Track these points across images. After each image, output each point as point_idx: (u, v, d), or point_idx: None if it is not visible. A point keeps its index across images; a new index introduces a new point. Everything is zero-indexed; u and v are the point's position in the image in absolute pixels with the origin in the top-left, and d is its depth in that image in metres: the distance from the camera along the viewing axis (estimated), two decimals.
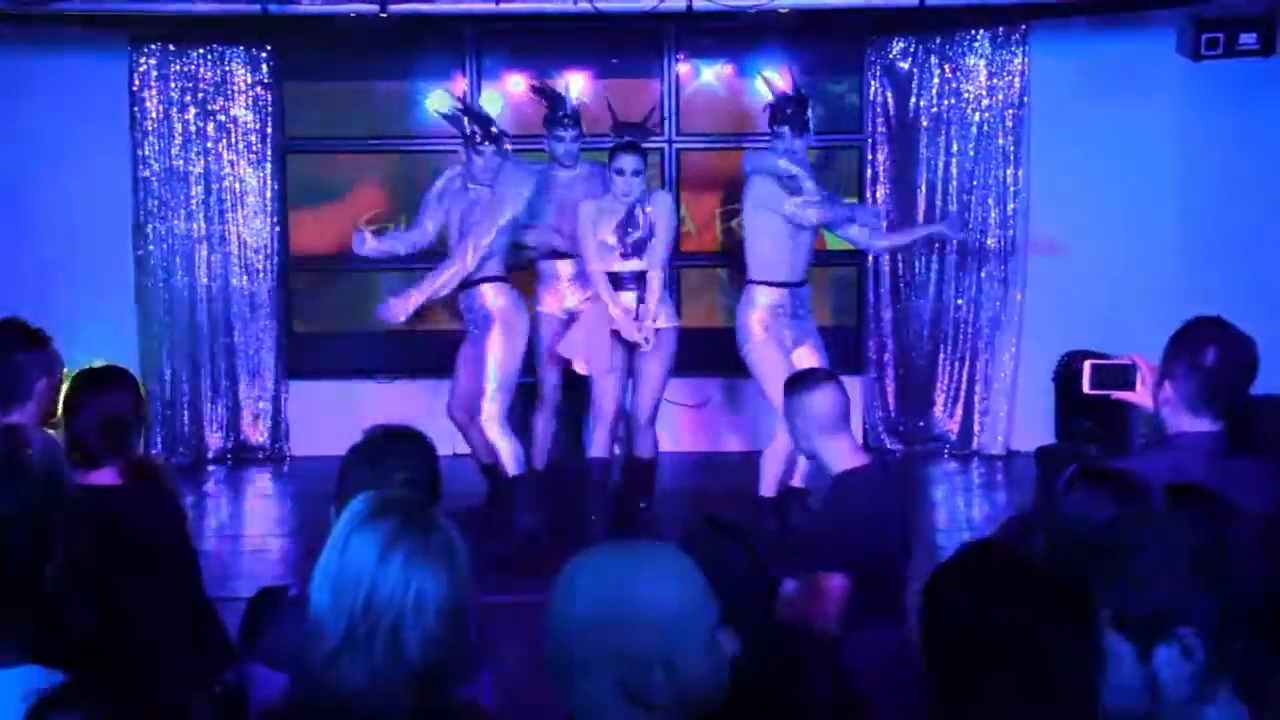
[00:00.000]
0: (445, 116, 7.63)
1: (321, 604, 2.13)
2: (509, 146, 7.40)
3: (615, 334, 7.17)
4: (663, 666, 1.88)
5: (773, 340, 7.15)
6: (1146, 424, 3.38)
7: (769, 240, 7.23)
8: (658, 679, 1.87)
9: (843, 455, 3.94)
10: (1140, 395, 3.28)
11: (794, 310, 7.29)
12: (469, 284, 7.18)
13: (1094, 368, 3.33)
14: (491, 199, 7.09)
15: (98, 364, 3.76)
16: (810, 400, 3.93)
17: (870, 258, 9.25)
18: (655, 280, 7.18)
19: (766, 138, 7.53)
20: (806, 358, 7.12)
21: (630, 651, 1.87)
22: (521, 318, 7.25)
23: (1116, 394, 3.33)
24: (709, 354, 8.56)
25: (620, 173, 7.07)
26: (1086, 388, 3.35)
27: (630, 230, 7.12)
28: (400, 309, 7.15)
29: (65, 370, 3.67)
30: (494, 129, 7.20)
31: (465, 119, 7.29)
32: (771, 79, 7.61)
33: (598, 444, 7.29)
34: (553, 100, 7.55)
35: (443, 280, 7.11)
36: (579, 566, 1.96)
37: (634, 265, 7.16)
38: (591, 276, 7.20)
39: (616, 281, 7.16)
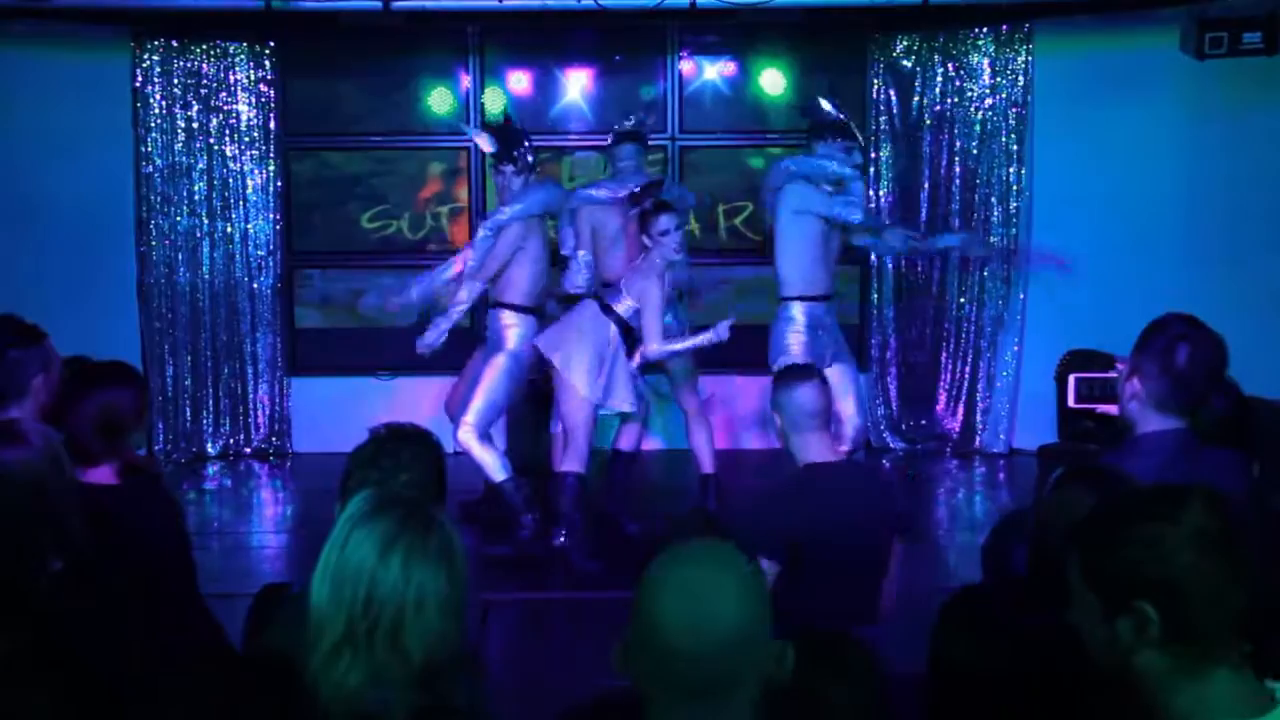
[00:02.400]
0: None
1: (321, 601, 2.12)
2: (528, 168, 7.07)
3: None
4: (744, 687, 1.87)
5: (807, 358, 6.99)
6: None
7: (805, 251, 7.06)
8: (741, 698, 1.86)
9: (811, 449, 4.15)
10: None
11: (831, 322, 7.21)
12: (492, 303, 7.16)
13: (1079, 381, 3.35)
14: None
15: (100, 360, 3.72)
16: (793, 395, 4.16)
17: (874, 256, 9.25)
18: (679, 344, 6.86)
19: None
20: (837, 372, 7.16)
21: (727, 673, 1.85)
22: (530, 355, 7.06)
23: (1102, 407, 3.34)
24: (710, 353, 8.52)
25: (665, 233, 6.67)
26: (1072, 401, 3.37)
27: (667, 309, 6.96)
28: (397, 304, 7.42)
29: (63, 366, 3.63)
30: (510, 150, 6.99)
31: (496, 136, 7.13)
32: (819, 99, 7.32)
33: (579, 458, 6.87)
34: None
35: (444, 275, 7.28)
36: (673, 580, 1.89)
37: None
38: (658, 355, 6.84)
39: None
